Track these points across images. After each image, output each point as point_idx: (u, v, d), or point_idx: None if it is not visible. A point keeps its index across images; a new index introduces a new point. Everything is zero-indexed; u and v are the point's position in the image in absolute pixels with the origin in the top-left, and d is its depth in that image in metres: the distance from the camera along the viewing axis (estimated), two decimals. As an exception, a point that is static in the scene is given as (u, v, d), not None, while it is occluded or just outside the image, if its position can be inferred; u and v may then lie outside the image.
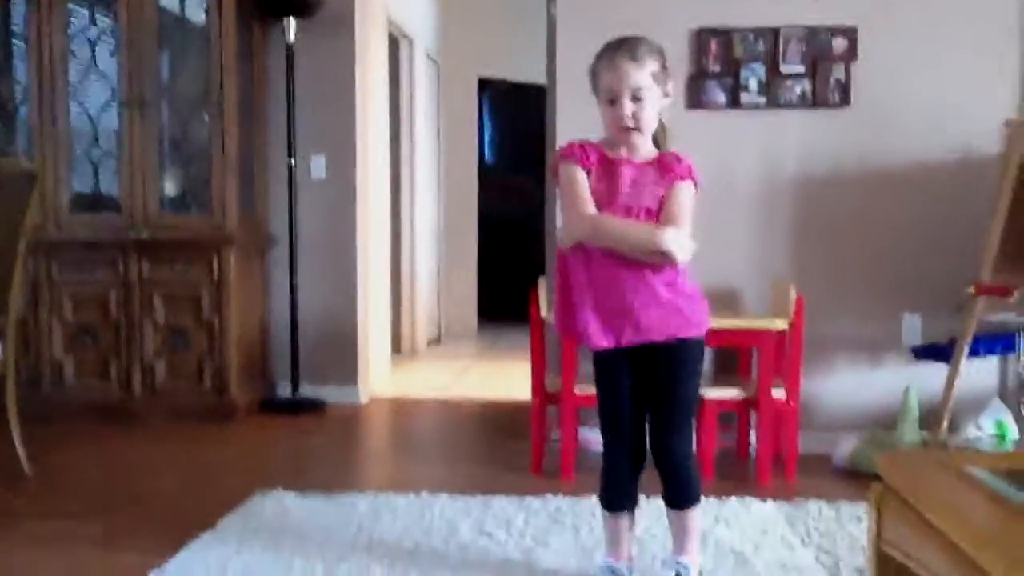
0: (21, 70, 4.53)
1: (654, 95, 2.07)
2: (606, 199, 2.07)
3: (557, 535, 2.62)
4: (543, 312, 3.36)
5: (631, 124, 2.06)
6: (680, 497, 2.18)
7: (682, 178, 2.09)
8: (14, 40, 4.59)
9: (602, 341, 2.10)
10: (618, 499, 2.23)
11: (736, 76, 3.63)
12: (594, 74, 2.11)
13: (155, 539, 2.57)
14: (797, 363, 3.29)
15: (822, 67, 3.61)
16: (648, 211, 2.06)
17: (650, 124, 2.09)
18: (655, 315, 2.07)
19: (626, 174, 2.09)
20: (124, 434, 3.97)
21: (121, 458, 3.60)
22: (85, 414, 4.21)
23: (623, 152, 2.11)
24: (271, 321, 4.77)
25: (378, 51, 5.36)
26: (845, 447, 3.37)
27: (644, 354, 2.12)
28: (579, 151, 2.11)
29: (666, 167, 2.09)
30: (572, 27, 3.70)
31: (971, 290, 3.15)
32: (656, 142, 2.15)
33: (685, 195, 2.08)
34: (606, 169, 2.10)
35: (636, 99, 2.04)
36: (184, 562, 2.40)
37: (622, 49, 2.06)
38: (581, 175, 2.09)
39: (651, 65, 2.06)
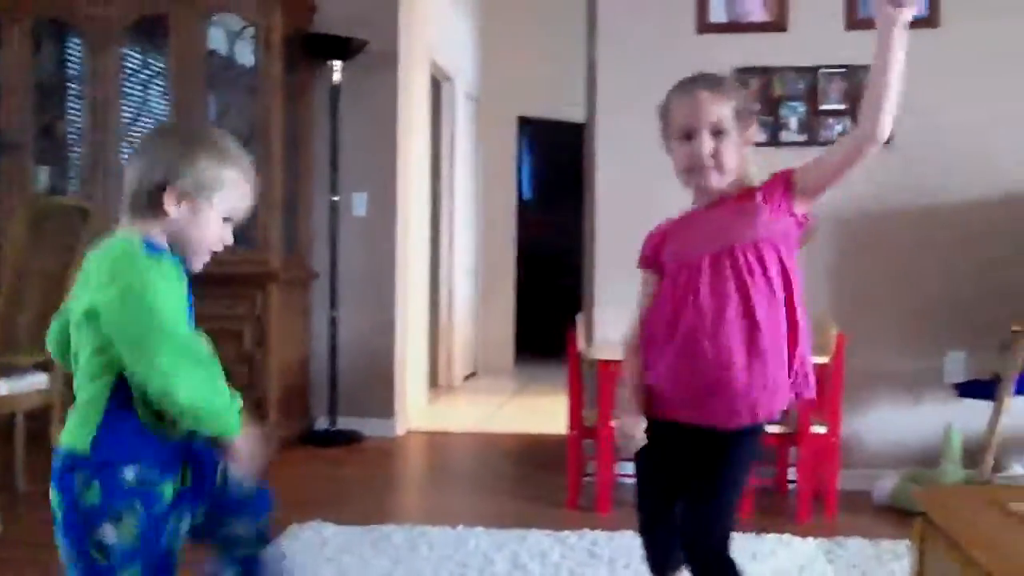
0: (75, 110, 4.68)
1: (736, 135, 1.81)
2: (676, 259, 1.85)
3: (593, 569, 2.62)
4: (580, 346, 3.38)
5: (708, 163, 1.78)
6: None
7: (788, 189, 1.82)
8: (69, 83, 4.74)
9: None
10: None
11: (776, 114, 3.65)
12: (665, 112, 1.86)
13: (195, 569, 2.60)
14: (837, 399, 3.27)
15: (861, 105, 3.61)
16: (731, 253, 1.77)
17: (730, 169, 1.81)
18: None
19: (699, 220, 1.85)
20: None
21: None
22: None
23: (700, 202, 1.87)
24: (311, 355, 4.83)
25: (420, 91, 5.46)
26: (886, 484, 3.33)
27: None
28: (645, 246, 1.94)
29: (763, 190, 1.82)
30: (611, 66, 3.75)
31: (1016, 328, 3.12)
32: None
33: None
34: (680, 229, 1.89)
35: (717, 133, 1.78)
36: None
37: (700, 80, 1.84)
38: (644, 279, 1.93)
39: (734, 100, 1.82)
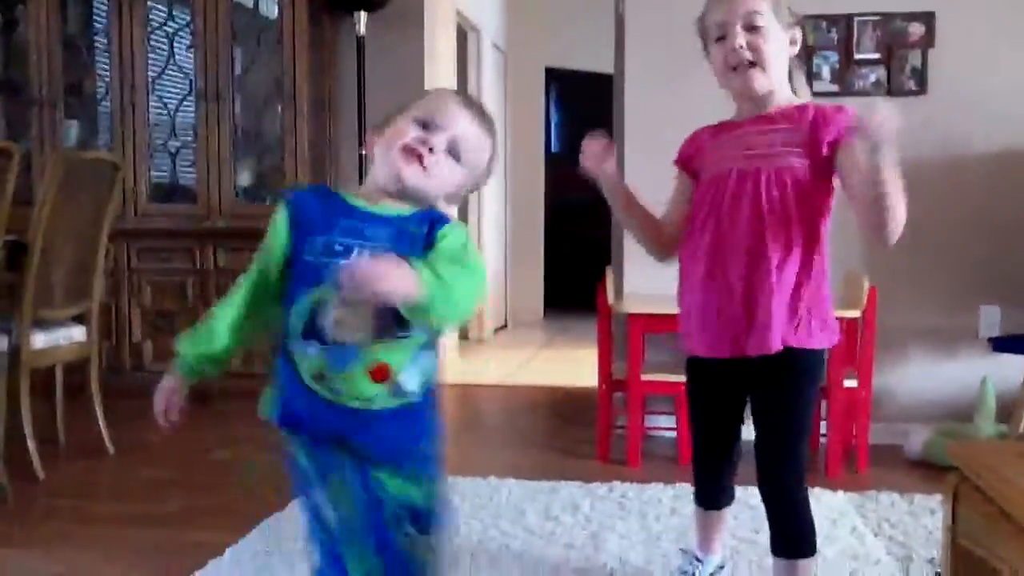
0: (103, 65, 4.69)
1: (776, 29, 1.71)
2: (708, 172, 1.80)
3: (623, 521, 2.64)
4: (610, 299, 3.37)
5: (748, 56, 1.69)
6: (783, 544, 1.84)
7: (848, 133, 1.66)
8: (96, 37, 4.75)
9: None
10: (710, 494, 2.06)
11: (808, 64, 3.58)
12: (702, 23, 1.80)
13: (228, 518, 2.65)
14: (869, 353, 3.24)
15: (898, 54, 3.53)
16: (788, 173, 1.71)
17: (773, 67, 1.71)
18: None
19: (738, 136, 1.77)
20: (200, 416, 4.10)
21: (197, 438, 3.71)
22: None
23: (745, 112, 1.79)
24: (341, 309, 4.85)
25: (446, 42, 5.41)
26: (918, 439, 3.31)
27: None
28: (684, 146, 1.91)
29: (807, 120, 1.71)
30: (640, 16, 3.69)
31: (1052, 280, 3.07)
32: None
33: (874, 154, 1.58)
34: (719, 138, 1.82)
35: (752, 28, 1.70)
36: (259, 538, 2.48)
37: None
38: (676, 185, 1.92)
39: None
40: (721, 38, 1.72)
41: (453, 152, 1.43)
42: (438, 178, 1.42)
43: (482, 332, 6.69)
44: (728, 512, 2.10)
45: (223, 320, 1.44)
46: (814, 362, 1.80)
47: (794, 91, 1.80)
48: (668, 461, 3.25)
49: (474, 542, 2.47)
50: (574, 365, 5.42)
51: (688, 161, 1.89)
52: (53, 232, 3.08)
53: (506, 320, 7.40)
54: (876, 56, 3.54)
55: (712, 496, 2.05)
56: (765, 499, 1.83)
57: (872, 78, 3.55)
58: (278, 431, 1.44)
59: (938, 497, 2.65)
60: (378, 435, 1.41)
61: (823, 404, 3.35)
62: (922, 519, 2.66)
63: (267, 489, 2.71)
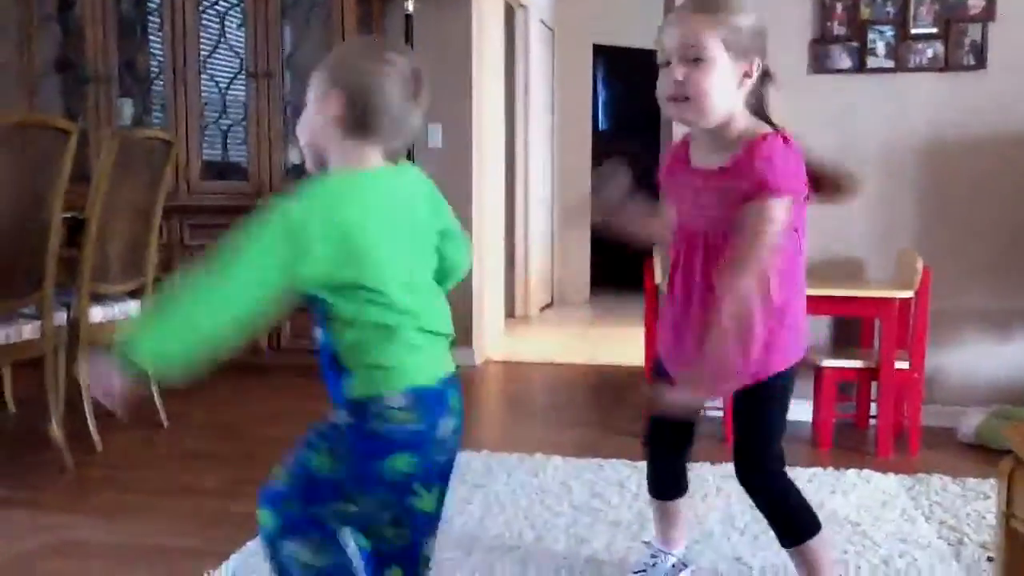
0: (156, 44, 4.76)
1: (723, 64, 1.60)
2: (674, 218, 1.80)
3: (670, 500, 2.63)
4: (657, 279, 3.36)
5: (680, 91, 1.61)
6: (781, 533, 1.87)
7: (759, 187, 1.59)
8: (149, 16, 4.81)
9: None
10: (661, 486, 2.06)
11: (863, 39, 3.51)
12: (658, 35, 1.69)
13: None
14: (922, 334, 3.19)
15: (956, 28, 3.45)
16: (723, 237, 1.66)
17: (708, 100, 1.61)
18: None
19: (688, 183, 1.75)
20: (251, 390, 4.17)
21: (247, 412, 3.78)
22: (216, 371, 4.43)
23: (698, 137, 1.75)
24: (389, 285, 4.89)
25: (494, 19, 5.39)
26: (971, 421, 3.26)
27: None
28: (662, 167, 1.87)
29: (752, 166, 1.60)
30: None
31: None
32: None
33: (768, 217, 1.59)
34: (678, 180, 1.79)
35: (692, 61, 1.60)
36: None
37: (694, 1, 1.66)
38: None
39: (726, 25, 1.60)
40: (667, 64, 1.65)
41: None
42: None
43: (528, 310, 6.70)
44: (683, 504, 2.07)
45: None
46: (778, 379, 1.77)
47: (767, 117, 1.69)
48: (714, 440, 3.23)
49: (520, 519, 2.49)
50: (620, 344, 5.41)
51: (662, 182, 1.89)
52: (109, 209, 3.14)
53: (552, 298, 7.40)
54: (933, 30, 3.46)
55: (663, 487, 2.05)
56: (751, 495, 1.85)
57: (929, 53, 3.47)
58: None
59: (991, 481, 2.62)
60: None
61: (872, 385, 3.32)
62: (974, 503, 2.62)
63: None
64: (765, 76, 1.70)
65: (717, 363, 1.62)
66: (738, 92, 1.65)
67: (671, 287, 1.80)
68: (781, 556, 2.21)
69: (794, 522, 1.84)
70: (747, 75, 1.65)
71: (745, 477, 1.85)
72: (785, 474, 1.84)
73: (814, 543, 1.82)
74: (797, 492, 1.84)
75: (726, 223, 1.64)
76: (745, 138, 1.64)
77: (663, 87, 1.66)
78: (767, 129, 1.66)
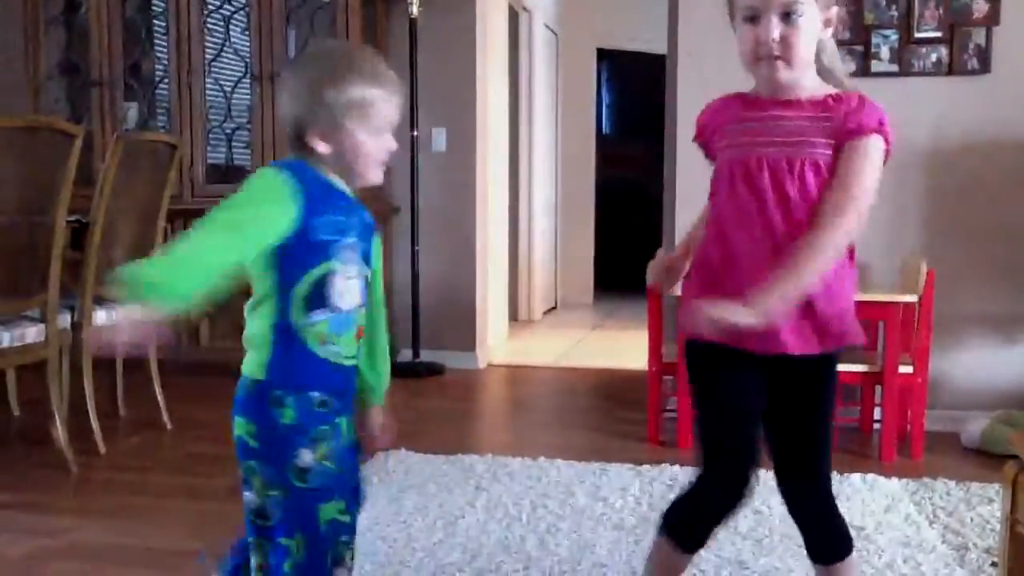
0: (161, 48, 4.77)
1: (812, 17, 1.51)
2: (730, 153, 1.60)
3: (673, 504, 2.63)
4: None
5: (775, 51, 1.50)
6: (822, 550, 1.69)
7: (864, 131, 1.51)
8: (155, 20, 4.83)
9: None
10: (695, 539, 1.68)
11: (867, 43, 3.51)
12: None
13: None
14: (926, 338, 3.18)
15: (960, 32, 3.45)
16: (815, 166, 1.52)
17: (802, 59, 1.53)
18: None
19: (777, 116, 1.57)
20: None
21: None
22: (219, 374, 4.43)
23: (764, 92, 1.60)
24: (393, 289, 4.90)
25: (498, 24, 5.40)
26: (975, 426, 3.25)
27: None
28: (703, 119, 1.70)
29: (841, 110, 1.53)
30: (695, -5, 3.64)
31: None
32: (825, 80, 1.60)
33: (864, 160, 1.50)
34: (746, 117, 1.61)
35: (787, 16, 1.50)
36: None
37: None
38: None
39: None
40: (752, 19, 1.52)
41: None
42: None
43: (532, 313, 6.70)
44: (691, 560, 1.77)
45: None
46: (836, 359, 1.67)
47: (828, 71, 1.60)
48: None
49: (523, 522, 2.49)
50: (624, 347, 5.41)
51: (704, 135, 1.71)
52: (113, 212, 3.15)
53: (556, 302, 7.40)
54: (938, 34, 3.46)
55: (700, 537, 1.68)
56: (801, 503, 1.64)
57: (933, 57, 3.47)
58: (316, 398, 1.43)
59: (995, 486, 2.62)
60: (352, 387, 1.54)
61: (876, 389, 3.32)
62: (978, 508, 2.61)
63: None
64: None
65: (793, 288, 1.45)
66: (814, 43, 1.55)
67: (718, 252, 1.59)
68: (784, 561, 2.22)
69: (836, 538, 1.66)
70: (827, 23, 1.56)
71: (799, 491, 1.63)
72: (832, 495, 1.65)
73: (851, 560, 1.68)
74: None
75: (818, 146, 1.52)
76: (823, 91, 1.56)
77: (751, 48, 1.52)
78: (842, 81, 1.59)
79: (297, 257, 1.40)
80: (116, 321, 1.33)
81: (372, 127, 1.48)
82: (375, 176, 1.53)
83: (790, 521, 1.69)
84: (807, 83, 1.57)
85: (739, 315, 1.43)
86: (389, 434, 1.65)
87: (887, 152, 1.55)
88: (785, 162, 1.53)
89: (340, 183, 1.49)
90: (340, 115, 1.45)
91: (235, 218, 1.37)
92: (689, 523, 1.66)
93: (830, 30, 1.57)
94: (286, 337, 1.42)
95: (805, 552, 1.70)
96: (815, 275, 1.48)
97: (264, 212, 1.39)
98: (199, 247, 1.33)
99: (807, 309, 1.53)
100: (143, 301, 1.28)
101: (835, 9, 1.57)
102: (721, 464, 1.61)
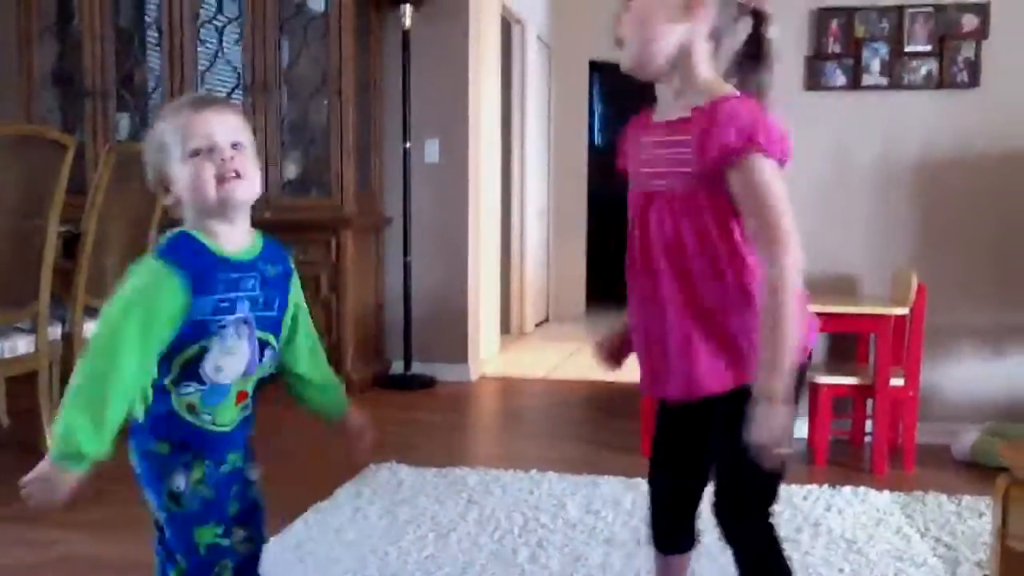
0: (154, 58, 4.77)
1: (660, 5, 1.39)
2: (631, 188, 1.50)
3: (665, 517, 2.63)
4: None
5: (616, 35, 1.43)
6: None
7: (735, 150, 1.32)
8: (147, 30, 4.83)
9: None
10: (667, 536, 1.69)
11: (857, 57, 3.53)
12: None
13: (275, 505, 2.67)
14: (917, 351, 3.19)
15: (950, 46, 3.47)
16: (668, 197, 1.40)
17: (647, 44, 1.40)
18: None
19: (643, 142, 1.48)
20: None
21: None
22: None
23: (660, 107, 1.47)
24: (385, 300, 4.89)
25: (491, 36, 5.41)
26: (967, 439, 3.26)
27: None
28: (621, 141, 1.58)
29: (696, 124, 1.36)
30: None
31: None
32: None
33: (758, 180, 1.34)
34: (638, 140, 1.51)
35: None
36: (304, 528, 2.51)
37: None
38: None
39: None
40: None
41: (237, 147, 1.41)
42: (253, 174, 1.43)
43: (524, 325, 6.70)
44: (688, 559, 1.73)
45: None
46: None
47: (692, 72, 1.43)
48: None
49: (515, 535, 2.48)
50: (616, 359, 5.39)
51: (622, 160, 1.58)
52: (105, 222, 3.14)
53: (548, 314, 7.40)
54: (928, 48, 3.48)
55: (668, 537, 1.70)
56: (727, 538, 1.53)
57: (923, 71, 3.49)
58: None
59: (987, 499, 2.62)
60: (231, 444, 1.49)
61: (867, 402, 3.32)
62: (970, 521, 2.61)
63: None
64: (754, 17, 1.44)
65: (785, 352, 1.32)
66: (688, 31, 1.40)
67: (633, 283, 1.51)
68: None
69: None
70: (695, 5, 1.38)
71: (729, 521, 1.51)
72: (773, 519, 1.51)
73: None
74: (781, 551, 1.51)
75: (683, 182, 1.38)
76: (706, 97, 1.38)
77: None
78: (714, 88, 1.40)
79: (176, 335, 1.36)
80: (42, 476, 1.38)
81: (188, 152, 1.39)
82: (236, 197, 1.39)
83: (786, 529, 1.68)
84: (690, 83, 1.40)
85: (776, 421, 1.31)
86: (366, 441, 1.62)
87: (779, 162, 1.36)
88: (653, 198, 1.42)
89: (224, 243, 1.41)
90: (159, 159, 1.43)
91: (134, 334, 1.31)
92: (652, 525, 1.70)
93: (703, 14, 1.39)
94: (159, 394, 1.41)
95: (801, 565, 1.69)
96: (793, 328, 1.33)
97: (160, 312, 1.33)
98: (116, 386, 1.31)
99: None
100: (72, 467, 1.35)
101: (706, 8, 1.39)
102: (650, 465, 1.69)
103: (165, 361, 1.38)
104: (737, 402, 1.37)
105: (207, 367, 1.39)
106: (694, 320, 1.41)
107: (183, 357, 1.37)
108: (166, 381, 1.39)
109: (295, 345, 1.53)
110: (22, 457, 3.15)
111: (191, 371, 1.38)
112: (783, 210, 1.34)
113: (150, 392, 1.40)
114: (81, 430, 1.31)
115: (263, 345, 1.44)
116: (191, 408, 1.41)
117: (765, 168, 1.34)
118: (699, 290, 1.41)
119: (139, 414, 1.43)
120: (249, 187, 1.41)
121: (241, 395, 1.46)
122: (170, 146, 1.40)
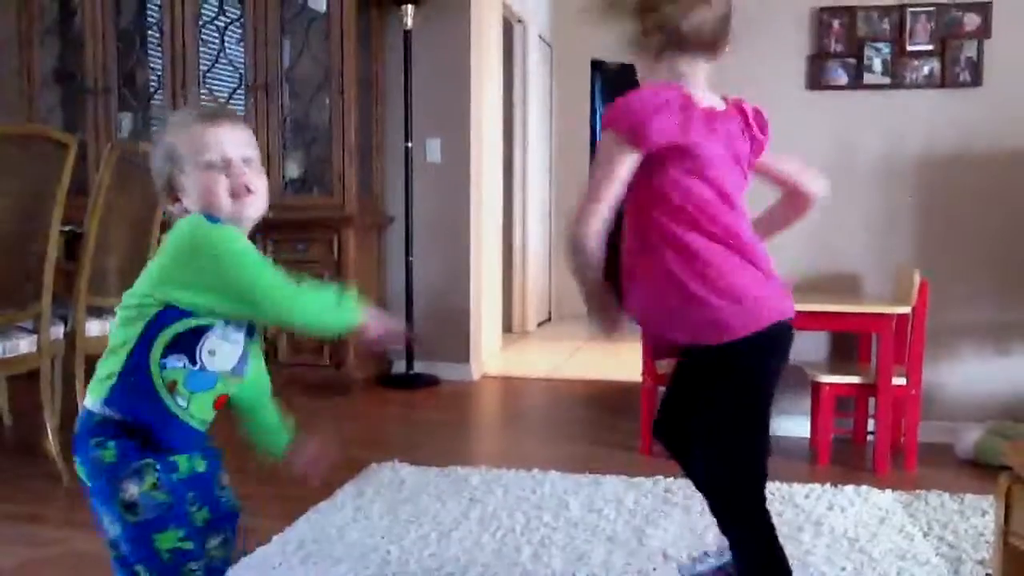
0: (156, 58, 4.77)
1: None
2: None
3: (667, 515, 2.63)
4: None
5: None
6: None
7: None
8: (149, 30, 4.83)
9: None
10: None
11: (859, 56, 3.52)
12: None
13: (279, 505, 2.69)
14: (919, 349, 3.19)
15: (952, 45, 3.47)
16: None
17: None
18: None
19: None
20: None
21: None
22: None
23: None
24: (387, 299, 4.89)
25: (492, 35, 5.41)
26: (969, 438, 3.26)
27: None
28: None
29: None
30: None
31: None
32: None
33: (597, 148, 1.67)
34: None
35: None
36: (306, 527, 2.51)
37: None
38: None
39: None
40: None
41: (248, 162, 1.45)
42: (263, 189, 1.47)
43: (525, 325, 6.70)
44: None
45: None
46: (717, 358, 1.63)
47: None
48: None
49: (517, 534, 2.48)
50: (618, 359, 5.40)
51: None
52: (107, 222, 3.14)
53: (550, 313, 7.40)
54: (930, 47, 3.48)
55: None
56: (722, 529, 1.71)
57: (925, 70, 3.49)
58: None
59: (989, 498, 2.61)
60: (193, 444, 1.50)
61: (869, 401, 3.32)
62: (972, 519, 2.61)
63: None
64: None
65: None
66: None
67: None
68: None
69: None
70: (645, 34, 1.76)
71: (707, 490, 1.73)
72: (753, 506, 1.63)
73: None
74: (765, 536, 1.63)
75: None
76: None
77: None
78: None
79: (177, 310, 1.37)
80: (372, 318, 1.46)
81: (207, 163, 1.41)
82: (248, 213, 1.45)
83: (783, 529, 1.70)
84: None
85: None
86: (319, 462, 1.68)
87: (626, 137, 1.62)
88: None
89: None
90: (172, 169, 1.44)
91: (260, 260, 1.39)
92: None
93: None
94: (136, 370, 1.38)
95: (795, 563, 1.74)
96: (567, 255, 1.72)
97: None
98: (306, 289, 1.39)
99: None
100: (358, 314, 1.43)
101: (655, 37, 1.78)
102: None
103: (151, 340, 1.37)
104: (693, 359, 1.69)
105: (204, 346, 1.39)
106: (642, 280, 1.74)
107: (188, 324, 1.37)
108: (148, 357, 1.37)
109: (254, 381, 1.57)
110: (24, 457, 3.17)
111: (187, 344, 1.38)
112: (597, 178, 1.65)
113: (133, 346, 1.38)
114: (332, 303, 1.41)
115: (247, 352, 1.47)
116: (171, 387, 1.39)
117: (603, 139, 1.66)
118: (644, 250, 1.72)
119: (95, 404, 1.40)
120: (260, 203, 1.46)
121: (221, 400, 1.47)
122: (182, 157, 1.42)
